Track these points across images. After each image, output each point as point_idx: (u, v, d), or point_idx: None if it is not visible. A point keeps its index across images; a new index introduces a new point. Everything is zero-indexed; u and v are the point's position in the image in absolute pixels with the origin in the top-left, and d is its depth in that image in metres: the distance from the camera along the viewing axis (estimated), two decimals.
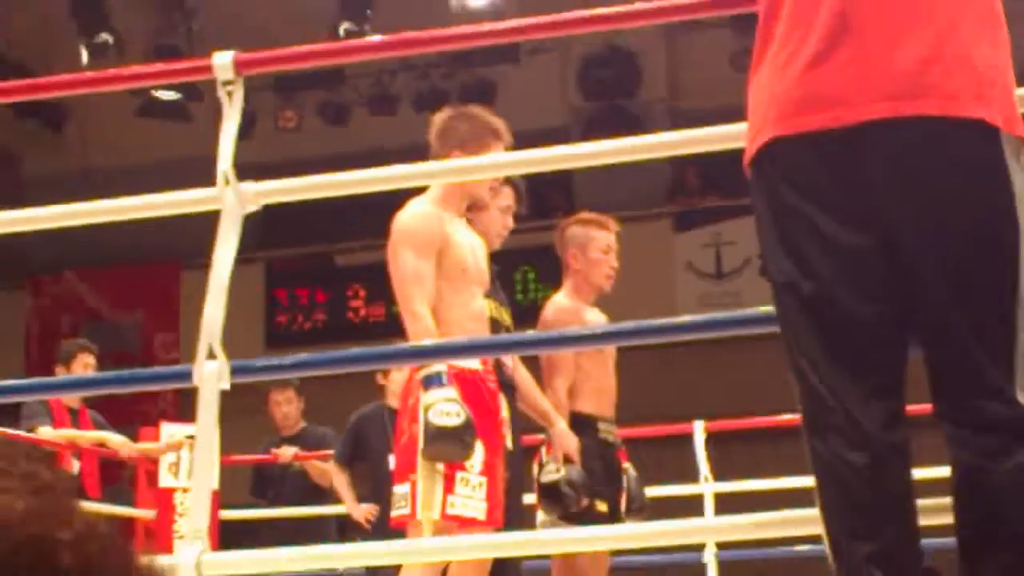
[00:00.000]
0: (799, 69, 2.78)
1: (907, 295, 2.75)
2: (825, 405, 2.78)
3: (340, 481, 7.76)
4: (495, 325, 5.36)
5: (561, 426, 5.61)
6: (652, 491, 6.34)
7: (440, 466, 4.67)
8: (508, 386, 5.36)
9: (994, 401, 2.64)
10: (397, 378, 6.32)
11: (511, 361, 5.53)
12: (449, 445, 4.60)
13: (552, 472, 5.54)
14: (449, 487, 4.67)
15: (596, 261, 5.94)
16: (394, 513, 4.85)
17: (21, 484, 0.51)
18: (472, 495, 4.71)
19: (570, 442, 5.59)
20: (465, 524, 4.67)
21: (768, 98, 2.83)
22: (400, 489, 4.78)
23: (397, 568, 4.92)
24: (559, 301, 5.96)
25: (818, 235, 2.77)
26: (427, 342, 4.73)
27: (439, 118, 5.19)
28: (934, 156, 2.70)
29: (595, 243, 5.96)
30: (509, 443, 5.06)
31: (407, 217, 4.96)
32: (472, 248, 5.06)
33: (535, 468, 5.64)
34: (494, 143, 5.01)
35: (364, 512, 7.49)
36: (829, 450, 2.77)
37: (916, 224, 2.71)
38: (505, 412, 5.04)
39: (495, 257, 5.45)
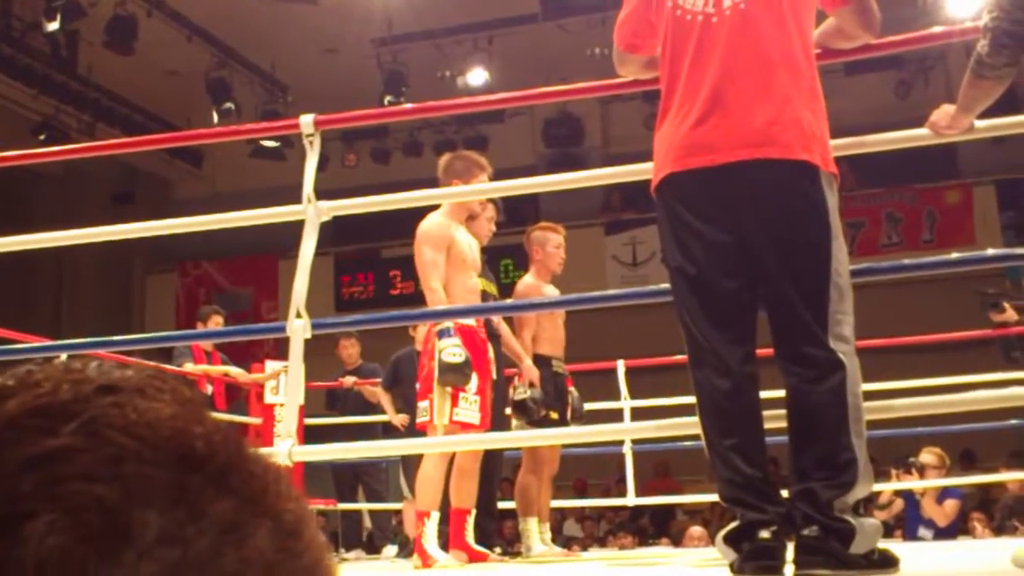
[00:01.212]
0: (687, 128, 2.80)
1: (755, 275, 2.77)
2: (701, 348, 2.80)
3: (384, 399, 7.76)
4: (486, 296, 5.36)
5: (528, 363, 5.60)
6: (589, 406, 6.33)
7: (448, 389, 4.66)
8: (494, 336, 5.35)
9: (814, 347, 2.67)
10: (421, 330, 6.30)
11: (496, 319, 5.53)
12: (455, 375, 4.60)
13: (522, 393, 5.52)
14: (455, 402, 4.67)
15: (551, 254, 5.93)
16: (418, 420, 4.85)
17: (169, 398, 0.50)
18: (470, 408, 4.70)
19: (534, 373, 5.57)
20: (465, 427, 4.67)
21: (667, 147, 2.85)
22: (422, 404, 4.77)
23: (421, 457, 4.92)
24: (526, 280, 5.95)
25: (698, 236, 2.79)
26: (439, 307, 4.73)
27: (443, 159, 5.18)
28: (775, 185, 2.72)
29: (551, 242, 5.95)
30: (494, 374, 5.05)
31: (426, 225, 4.95)
32: (469, 245, 5.05)
33: (510, 391, 5.62)
34: (480, 173, 5.00)
35: (400, 420, 7.48)
36: (705, 378, 2.79)
37: (762, 228, 2.73)
38: (491, 353, 5.03)
39: (485, 251, 5.45)
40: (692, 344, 2.84)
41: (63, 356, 5.08)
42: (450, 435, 4.62)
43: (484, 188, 4.89)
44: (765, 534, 2.64)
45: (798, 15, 2.84)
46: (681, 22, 2.88)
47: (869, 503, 2.78)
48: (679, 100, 2.86)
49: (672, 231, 2.86)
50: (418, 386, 4.96)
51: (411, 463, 6.24)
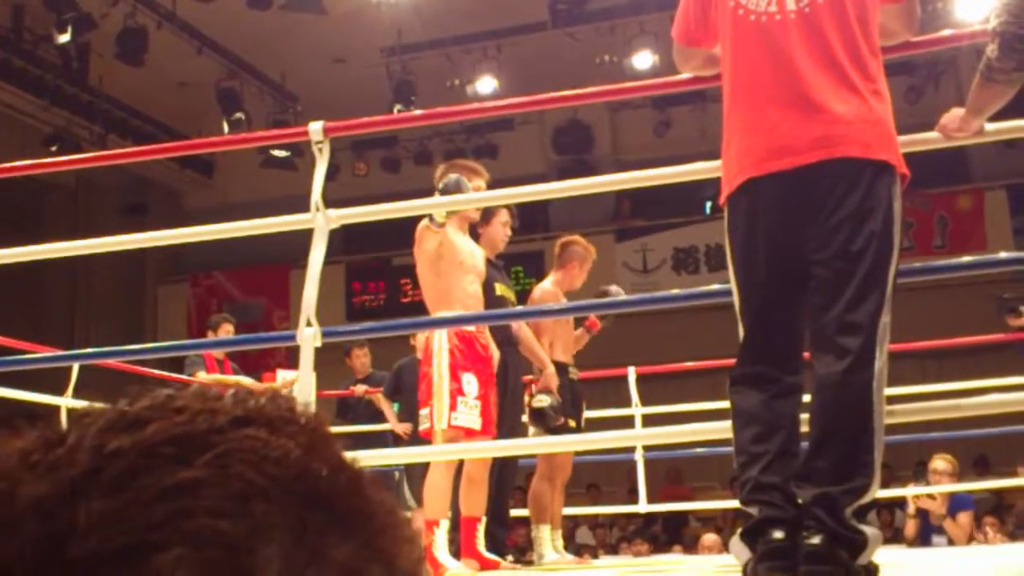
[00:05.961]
0: (763, 132, 2.82)
1: (816, 271, 2.76)
2: (747, 360, 2.84)
3: (385, 406, 7.79)
4: (504, 302, 5.34)
5: (550, 369, 5.55)
6: (600, 413, 6.33)
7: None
8: (510, 342, 5.32)
9: (857, 337, 2.67)
10: (420, 338, 6.30)
11: (517, 325, 5.50)
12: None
13: (541, 401, 5.47)
14: (453, 406, 4.64)
15: (583, 274, 5.96)
16: (420, 428, 4.84)
17: (297, 429, 0.52)
18: (469, 412, 4.66)
19: (555, 381, 5.53)
20: (468, 433, 4.65)
21: (743, 151, 2.86)
22: (423, 412, 4.75)
23: (427, 466, 4.91)
24: (545, 287, 5.90)
25: (761, 249, 2.82)
26: (449, 315, 4.72)
27: (439, 169, 4.96)
28: (854, 182, 2.73)
29: (588, 262, 5.98)
30: (512, 380, 5.03)
31: (420, 227, 4.90)
32: (471, 251, 4.98)
33: (527, 397, 5.60)
34: (473, 178, 4.89)
35: (403, 428, 7.49)
36: (744, 396, 2.82)
37: (835, 225, 2.73)
38: (495, 359, 4.98)
39: (500, 257, 5.44)
40: (744, 358, 2.86)
41: (75, 366, 5.09)
42: (454, 441, 4.60)
43: (495, 195, 4.88)
44: (779, 534, 2.63)
45: (863, 15, 2.84)
46: (744, 21, 2.88)
47: (872, 510, 2.76)
48: (748, 102, 2.87)
49: (744, 241, 2.87)
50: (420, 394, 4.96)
51: (415, 473, 6.22)
